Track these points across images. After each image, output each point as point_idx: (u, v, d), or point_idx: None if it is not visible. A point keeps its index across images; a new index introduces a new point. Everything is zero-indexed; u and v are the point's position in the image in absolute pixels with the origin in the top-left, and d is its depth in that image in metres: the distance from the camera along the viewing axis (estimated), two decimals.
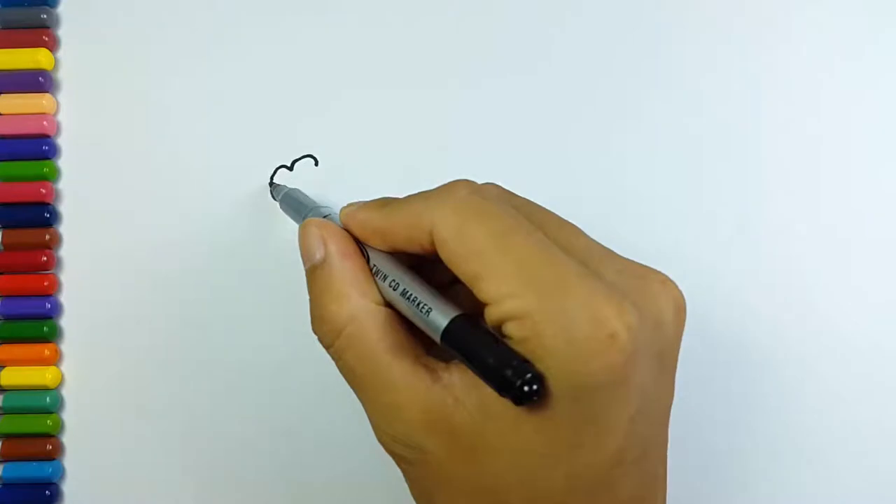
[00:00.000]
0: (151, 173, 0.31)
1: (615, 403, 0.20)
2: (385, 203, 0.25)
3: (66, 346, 0.32)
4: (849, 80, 0.31)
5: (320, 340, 0.24)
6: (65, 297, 0.32)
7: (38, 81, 0.31)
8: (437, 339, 0.22)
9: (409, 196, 0.24)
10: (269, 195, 0.30)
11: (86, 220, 0.32)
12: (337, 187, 0.31)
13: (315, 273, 0.24)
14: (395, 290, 0.23)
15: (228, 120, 0.31)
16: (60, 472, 0.31)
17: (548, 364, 0.20)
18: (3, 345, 0.31)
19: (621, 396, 0.20)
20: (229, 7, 0.32)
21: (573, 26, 0.31)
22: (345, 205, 0.25)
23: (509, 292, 0.20)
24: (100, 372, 0.31)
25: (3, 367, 0.31)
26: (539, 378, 0.20)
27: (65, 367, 0.32)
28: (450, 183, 0.24)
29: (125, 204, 0.31)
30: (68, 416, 0.31)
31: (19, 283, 0.31)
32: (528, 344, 0.20)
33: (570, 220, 0.24)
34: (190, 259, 0.31)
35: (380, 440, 0.23)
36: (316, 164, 0.31)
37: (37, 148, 0.31)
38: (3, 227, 0.32)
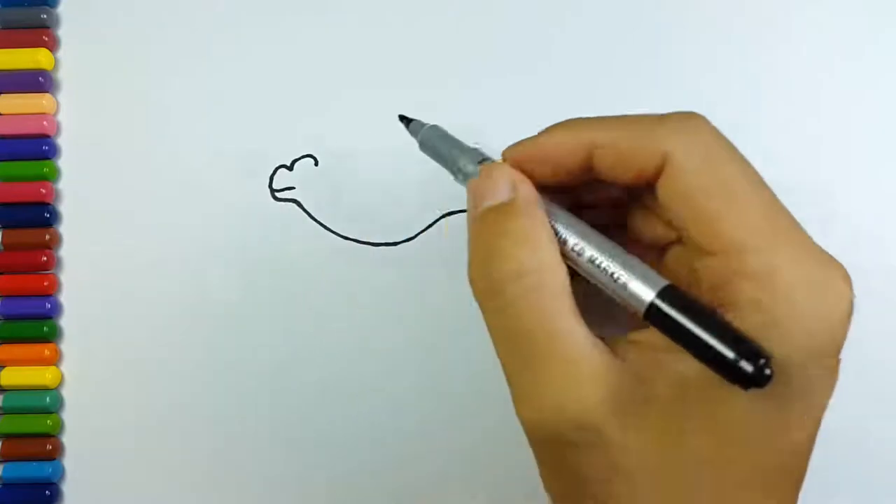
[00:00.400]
0: (151, 173, 0.31)
1: (828, 382, 0.19)
2: (579, 120, 0.22)
3: (66, 346, 0.32)
4: (849, 80, 0.31)
5: (483, 287, 0.21)
6: (65, 297, 0.32)
7: (38, 81, 0.31)
8: (640, 310, 0.19)
9: (626, 115, 0.21)
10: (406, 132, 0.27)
11: (86, 220, 0.32)
12: (337, 187, 0.31)
13: (495, 214, 0.21)
14: (579, 255, 0.21)
15: (228, 120, 0.31)
16: (60, 472, 0.31)
17: (781, 334, 0.18)
18: (3, 345, 0.31)
19: (833, 377, 0.19)
20: (229, 7, 0.32)
21: (573, 26, 0.31)
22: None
23: (756, 244, 0.18)
24: (100, 372, 0.31)
25: (3, 367, 0.31)
26: (769, 360, 0.17)
27: (65, 367, 0.31)
28: (685, 112, 0.21)
29: (125, 204, 0.31)
30: (68, 416, 0.31)
31: (19, 283, 0.31)
32: (761, 308, 0.18)
33: None
34: (190, 259, 0.31)
35: (533, 420, 0.20)
36: (316, 164, 0.31)
37: (37, 148, 0.31)
38: (3, 227, 0.32)
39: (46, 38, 0.31)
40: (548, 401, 0.19)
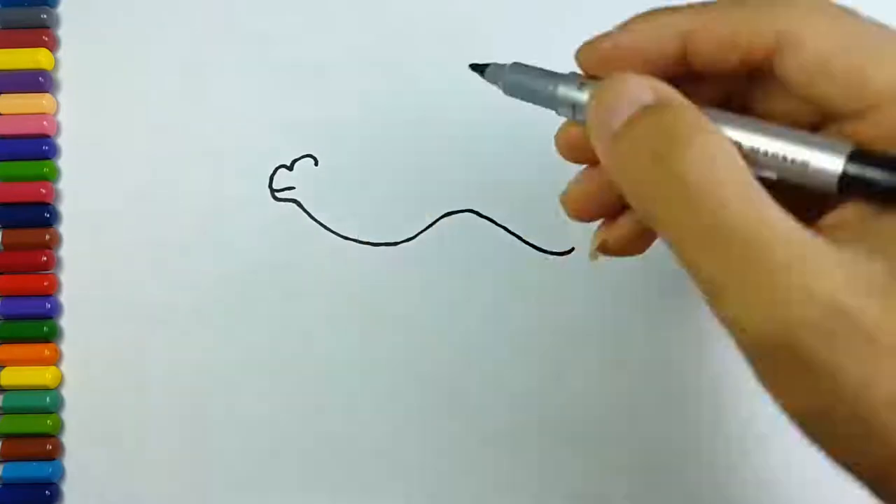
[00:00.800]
0: (151, 173, 0.31)
1: None
2: (669, 9, 0.20)
3: (66, 346, 0.32)
4: None
5: (664, 193, 0.18)
6: (65, 297, 0.32)
7: (38, 81, 0.31)
8: (833, 184, 0.18)
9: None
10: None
11: (86, 220, 0.32)
12: (337, 187, 0.31)
13: (646, 118, 0.19)
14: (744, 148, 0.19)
15: (228, 120, 0.31)
16: (60, 472, 0.31)
17: None
18: (3, 345, 0.31)
19: None
20: (229, 7, 0.32)
21: (573, 26, 0.31)
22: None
23: None
24: (100, 372, 0.31)
25: (3, 367, 0.31)
26: None
27: (65, 367, 0.31)
28: None
29: (125, 204, 0.31)
30: (68, 416, 0.31)
31: (19, 283, 0.31)
32: None
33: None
34: (190, 259, 0.31)
35: (769, 319, 0.17)
36: (316, 164, 0.31)
37: (37, 148, 0.31)
38: (3, 227, 0.32)
39: (46, 38, 0.31)
40: (780, 294, 0.17)
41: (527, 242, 0.31)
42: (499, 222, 0.31)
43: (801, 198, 0.19)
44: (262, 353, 0.31)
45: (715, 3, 0.20)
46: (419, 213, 0.31)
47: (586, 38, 0.24)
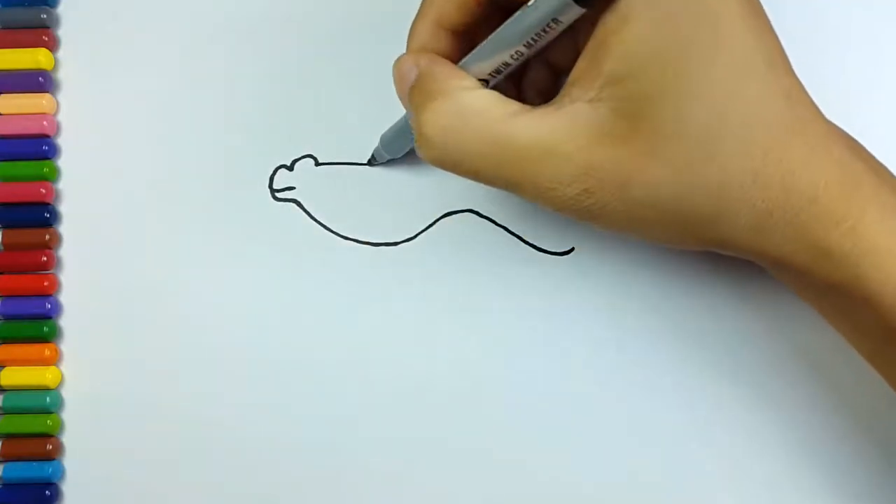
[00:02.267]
0: (151, 173, 0.31)
1: None
2: (419, 7, 0.26)
3: (66, 346, 0.32)
4: (849, 80, 0.30)
5: (437, 156, 0.24)
6: (65, 297, 0.32)
7: (38, 81, 0.31)
8: (574, 9, 0.22)
9: None
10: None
11: (86, 220, 0.32)
12: (337, 187, 0.31)
13: (413, 94, 0.25)
14: (493, 44, 0.24)
15: (228, 120, 0.31)
16: (60, 472, 0.31)
17: None
18: (3, 345, 0.31)
19: None
20: (229, 7, 0.32)
21: None
22: None
23: None
24: (100, 372, 0.31)
25: (3, 367, 0.31)
26: None
27: (65, 367, 0.31)
28: None
29: (125, 204, 0.31)
30: (68, 416, 0.31)
31: (19, 283, 0.31)
32: None
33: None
34: (189, 259, 0.31)
35: (552, 203, 0.23)
36: (316, 164, 0.31)
37: (37, 148, 0.31)
38: (3, 227, 0.32)
39: (46, 38, 0.31)
40: (544, 184, 0.23)
41: (527, 242, 0.31)
42: (499, 222, 0.31)
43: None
44: (262, 352, 0.31)
45: None
46: (419, 213, 0.31)
47: None
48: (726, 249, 0.24)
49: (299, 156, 0.31)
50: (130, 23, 0.32)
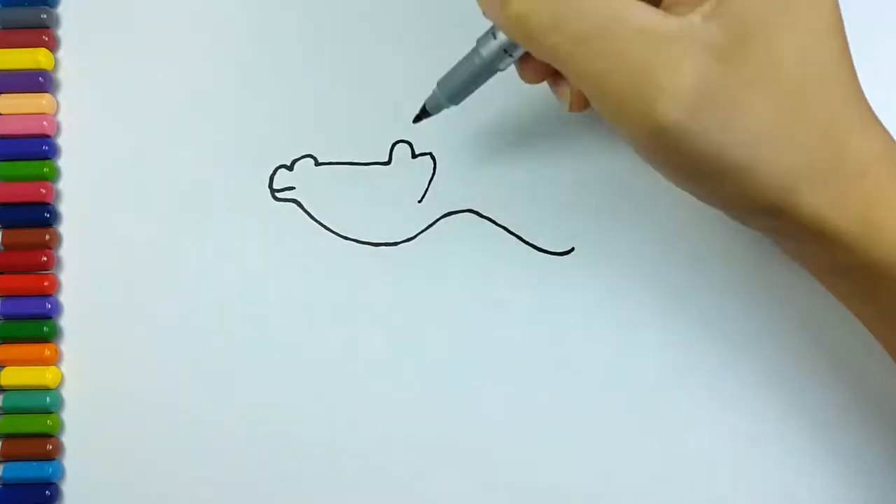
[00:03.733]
0: (151, 173, 0.31)
1: None
2: None
3: (66, 346, 0.32)
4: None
5: (539, 17, 0.22)
6: (65, 297, 0.32)
7: (38, 81, 0.31)
8: None
9: None
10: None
11: (86, 220, 0.32)
12: (337, 187, 0.31)
13: None
14: None
15: (228, 119, 0.31)
16: (60, 472, 0.31)
17: None
18: (3, 345, 0.31)
19: None
20: (229, 6, 0.32)
21: None
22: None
23: None
24: (100, 372, 0.31)
25: (3, 367, 0.31)
26: None
27: (65, 367, 0.31)
28: None
29: (125, 204, 0.31)
30: (68, 416, 0.31)
31: (19, 283, 0.31)
32: None
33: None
34: (189, 259, 0.31)
35: (654, 113, 0.21)
36: (316, 164, 0.31)
37: (37, 148, 0.31)
38: (3, 227, 0.32)
39: (46, 38, 0.31)
40: (656, 84, 0.21)
41: (527, 242, 0.31)
42: (499, 222, 0.31)
43: None
44: (262, 352, 0.31)
45: None
46: (419, 213, 0.31)
47: None
48: (781, 210, 0.23)
49: (299, 156, 0.31)
50: (130, 23, 0.32)
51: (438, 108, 0.28)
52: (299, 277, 0.31)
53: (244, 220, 0.31)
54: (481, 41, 0.26)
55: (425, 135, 0.31)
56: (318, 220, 0.31)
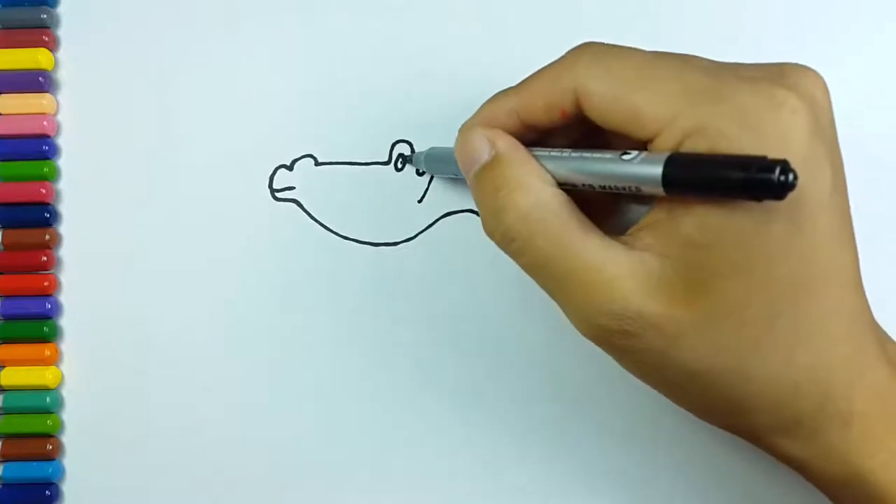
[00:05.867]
0: (151, 173, 0.31)
1: (818, 178, 0.21)
2: (507, 89, 0.25)
3: (66, 346, 0.32)
4: (849, 80, 0.30)
5: (500, 238, 0.24)
6: (65, 297, 0.32)
7: (38, 81, 0.31)
8: (655, 188, 0.21)
9: (535, 72, 0.24)
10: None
11: (86, 220, 0.32)
12: (337, 187, 0.31)
13: (485, 173, 0.24)
14: (577, 174, 0.23)
15: (228, 119, 0.31)
16: (60, 472, 0.31)
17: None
18: (3, 345, 0.31)
19: (822, 170, 0.21)
20: (229, 6, 0.32)
21: (571, 27, 0.31)
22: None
23: (679, 109, 0.21)
24: (100, 372, 0.31)
25: (3, 367, 0.31)
26: (787, 162, 0.19)
27: (65, 367, 0.31)
28: (574, 48, 0.24)
29: (125, 204, 0.31)
30: (68, 416, 0.31)
31: (19, 283, 0.31)
32: (719, 150, 0.20)
33: None
34: (189, 259, 0.31)
35: (589, 329, 0.23)
36: (316, 164, 0.31)
37: (37, 148, 0.31)
38: (3, 227, 0.32)
39: (46, 38, 0.31)
40: (589, 308, 0.22)
41: None
42: None
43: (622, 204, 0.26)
44: (262, 352, 0.31)
45: (532, 76, 0.24)
46: (419, 214, 0.31)
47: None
48: (751, 441, 0.24)
49: (299, 156, 0.31)
50: (130, 23, 0.32)
51: (419, 168, 0.31)
52: (299, 277, 0.31)
53: (244, 220, 0.31)
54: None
55: (425, 135, 0.31)
56: (318, 220, 0.31)
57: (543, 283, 0.24)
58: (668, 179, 0.21)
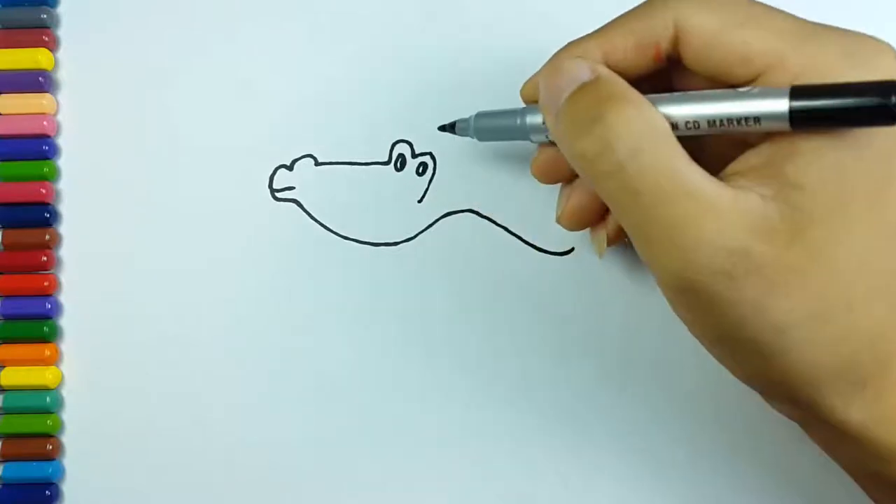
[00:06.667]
0: (151, 174, 0.31)
1: None
2: (586, 35, 0.23)
3: (66, 346, 0.32)
4: None
5: (595, 153, 0.21)
6: (65, 297, 0.32)
7: (38, 81, 0.31)
8: (777, 122, 0.20)
9: (620, 15, 0.23)
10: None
11: (86, 220, 0.32)
12: (337, 187, 0.31)
13: (586, 89, 0.22)
14: (682, 102, 0.22)
15: (228, 119, 0.31)
16: (60, 472, 0.31)
17: None
18: (3, 345, 0.31)
19: None
20: (229, 7, 0.32)
21: (569, 25, 0.31)
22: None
23: (788, 46, 0.20)
24: (100, 372, 0.31)
25: (3, 367, 0.31)
26: None
27: (65, 367, 0.31)
28: None
29: (125, 204, 0.31)
30: (68, 416, 0.31)
31: (19, 283, 0.31)
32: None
33: None
34: (189, 259, 0.31)
35: (686, 268, 0.21)
36: (316, 164, 0.31)
37: (37, 148, 0.31)
38: (3, 227, 0.32)
39: (46, 38, 0.31)
40: (693, 243, 0.20)
41: (527, 242, 0.31)
42: (499, 222, 0.31)
43: (712, 149, 0.23)
44: (262, 352, 0.31)
45: (619, 17, 0.23)
46: (419, 213, 0.31)
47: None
48: (805, 407, 0.22)
49: (299, 156, 0.31)
50: (130, 23, 0.32)
51: (463, 134, 0.28)
52: (299, 277, 0.31)
53: (244, 220, 0.31)
54: (529, 111, 0.26)
55: (425, 135, 0.31)
56: (318, 220, 0.31)
57: (636, 211, 0.21)
58: (795, 111, 0.20)
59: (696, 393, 0.30)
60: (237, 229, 0.31)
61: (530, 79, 0.26)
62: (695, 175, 0.21)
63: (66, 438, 0.31)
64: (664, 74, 0.23)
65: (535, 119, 0.26)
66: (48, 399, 0.31)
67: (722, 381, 0.30)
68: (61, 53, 0.32)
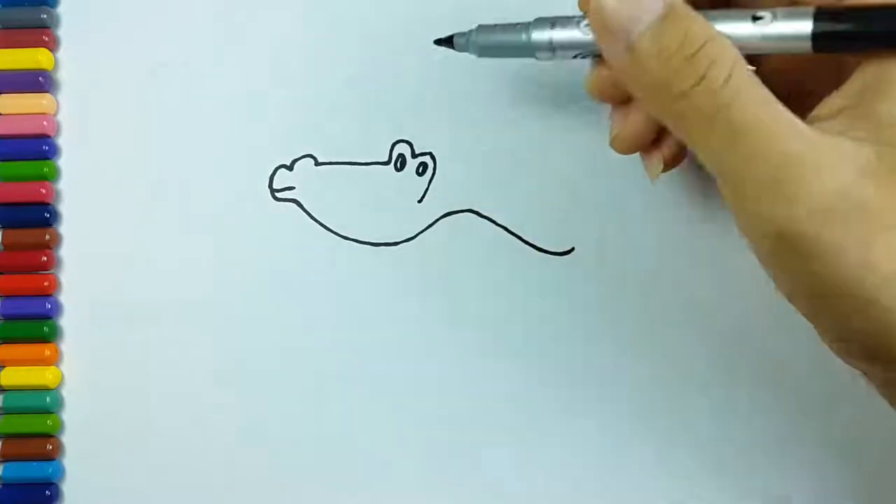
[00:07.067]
0: (151, 173, 0.31)
1: None
2: None
3: (66, 346, 0.32)
4: None
5: (690, 89, 0.20)
6: (65, 297, 0.32)
7: (38, 81, 0.31)
8: (807, 45, 0.20)
9: None
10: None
11: (86, 220, 0.32)
12: (337, 187, 0.31)
13: (665, 24, 0.20)
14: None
15: (228, 119, 0.31)
16: (60, 472, 0.31)
17: None
18: (3, 345, 0.31)
19: None
20: (229, 7, 0.32)
21: None
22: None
23: None
24: (100, 372, 0.31)
25: (3, 367, 0.31)
26: None
27: (65, 367, 0.31)
28: None
29: (125, 204, 0.31)
30: (68, 416, 0.31)
31: (19, 283, 0.31)
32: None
33: None
34: (190, 259, 0.31)
35: (789, 211, 0.20)
36: (316, 164, 0.31)
37: (37, 148, 0.31)
38: (3, 227, 0.32)
39: (46, 38, 0.31)
40: (796, 188, 0.19)
41: (527, 242, 0.31)
42: (499, 222, 0.31)
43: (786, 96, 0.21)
44: (262, 352, 0.31)
45: None
46: (419, 213, 0.31)
47: None
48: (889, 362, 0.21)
49: (299, 156, 0.31)
50: (130, 23, 0.32)
51: (463, 49, 0.27)
52: (299, 277, 0.31)
53: (244, 220, 0.31)
54: (537, 25, 0.24)
55: (425, 135, 0.31)
56: (318, 220, 0.31)
57: (736, 151, 0.20)
58: (817, 34, 0.20)
59: (698, 388, 0.30)
60: (237, 229, 0.31)
61: None
62: (792, 117, 0.20)
63: (66, 438, 0.31)
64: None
65: (541, 35, 0.24)
66: (48, 399, 0.31)
67: (728, 375, 0.30)
68: (61, 53, 0.32)
